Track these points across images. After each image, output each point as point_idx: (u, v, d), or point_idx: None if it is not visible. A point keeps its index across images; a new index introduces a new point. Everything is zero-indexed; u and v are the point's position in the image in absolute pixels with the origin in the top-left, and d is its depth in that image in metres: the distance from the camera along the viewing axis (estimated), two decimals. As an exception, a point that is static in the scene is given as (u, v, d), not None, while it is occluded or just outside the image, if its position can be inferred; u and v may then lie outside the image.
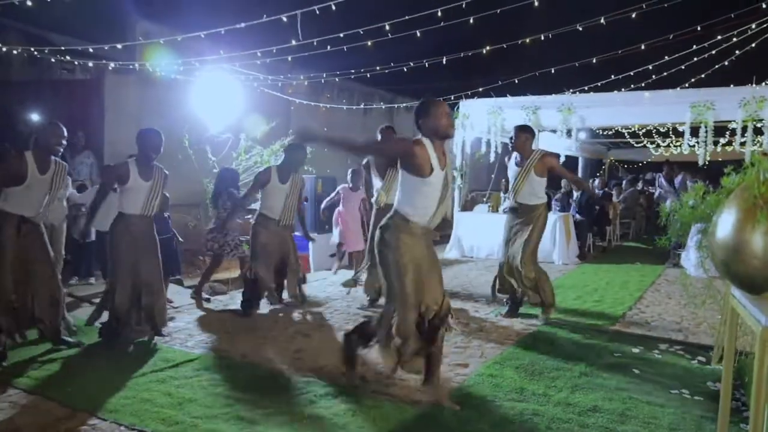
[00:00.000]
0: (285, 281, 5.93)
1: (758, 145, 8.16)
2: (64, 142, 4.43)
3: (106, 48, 6.89)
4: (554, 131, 11.18)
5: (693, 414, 3.46)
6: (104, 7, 6.83)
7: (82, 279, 7.03)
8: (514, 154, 5.79)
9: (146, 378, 3.99)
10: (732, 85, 8.26)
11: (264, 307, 6.11)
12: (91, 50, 6.98)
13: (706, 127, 8.42)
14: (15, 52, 6.88)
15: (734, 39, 7.96)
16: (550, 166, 5.61)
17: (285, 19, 5.38)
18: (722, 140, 11.68)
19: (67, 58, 7.31)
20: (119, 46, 6.80)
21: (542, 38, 6.86)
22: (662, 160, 15.95)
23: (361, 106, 12.80)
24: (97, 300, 6.12)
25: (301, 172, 6.23)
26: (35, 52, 6.83)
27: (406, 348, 3.45)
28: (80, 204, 6.70)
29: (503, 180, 12.86)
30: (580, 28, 6.40)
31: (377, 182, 6.03)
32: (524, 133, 5.69)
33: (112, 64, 7.53)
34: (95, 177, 7.56)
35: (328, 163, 7.60)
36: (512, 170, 5.79)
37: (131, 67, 7.68)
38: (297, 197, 5.91)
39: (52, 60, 7.36)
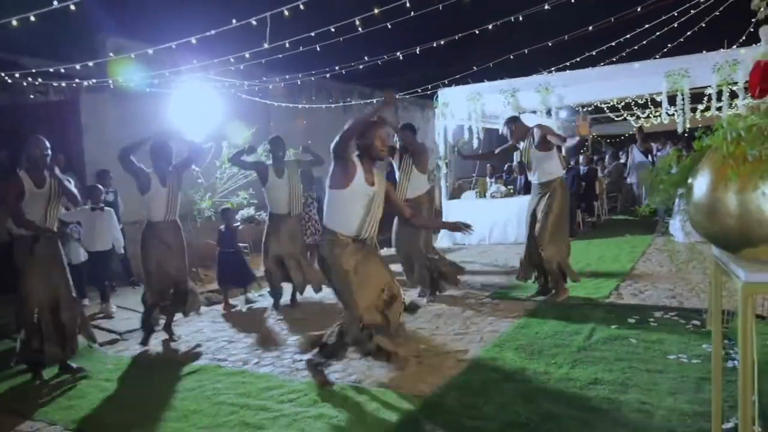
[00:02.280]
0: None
1: (734, 108, 8.24)
2: (48, 152, 4.44)
3: (78, 67, 6.81)
4: (534, 112, 11.24)
5: (692, 377, 3.53)
6: (73, 25, 6.76)
7: (76, 301, 6.98)
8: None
9: (147, 393, 3.99)
10: (705, 51, 8.33)
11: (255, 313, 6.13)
12: (62, 70, 6.90)
13: (682, 94, 8.48)
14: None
15: (702, 6, 8.02)
16: (541, 134, 5.63)
17: (255, 22, 5.36)
18: (700, 106, 11.79)
19: (39, 80, 7.23)
20: (91, 63, 6.73)
21: (512, 20, 6.87)
22: (646, 131, 16.01)
23: (340, 103, 12.77)
24: (95, 320, 6.17)
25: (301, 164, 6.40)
26: (6, 77, 6.74)
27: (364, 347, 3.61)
28: (68, 223, 6.64)
29: (489, 166, 12.95)
30: (548, 7, 6.43)
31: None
32: (514, 122, 5.98)
33: (86, 83, 7.46)
34: (79, 198, 7.49)
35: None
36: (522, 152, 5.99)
37: (106, 84, 7.61)
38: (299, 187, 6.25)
39: (24, 84, 7.27)
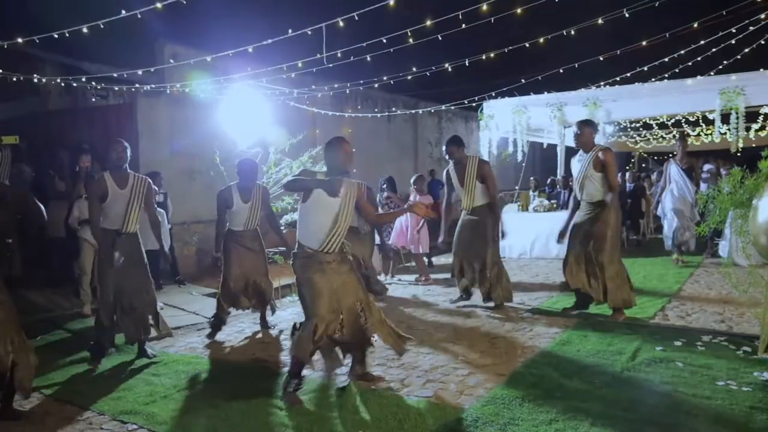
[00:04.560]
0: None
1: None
2: (124, 154, 4.81)
3: (140, 73, 7.11)
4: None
5: (742, 405, 3.40)
6: (133, 32, 7.08)
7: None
8: (580, 151, 5.62)
9: (192, 390, 4.11)
10: (762, 69, 8.06)
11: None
12: (125, 75, 7.22)
13: (737, 113, 8.24)
14: (54, 82, 7.15)
15: (762, 22, 7.77)
16: (603, 162, 5.38)
17: (310, 32, 5.48)
18: (755, 125, 11.39)
19: (102, 85, 7.57)
20: (152, 69, 7.02)
21: (564, 34, 6.81)
22: (694, 149, 15.39)
23: (386, 113, 12.87)
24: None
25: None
26: (72, 82, 7.10)
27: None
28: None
29: (532, 179, 12.81)
30: (602, 22, 6.34)
31: (459, 189, 6.21)
32: (587, 126, 5.55)
33: (144, 88, 7.76)
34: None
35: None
36: (575, 167, 5.65)
37: (162, 89, 7.90)
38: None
39: (88, 87, 7.63)
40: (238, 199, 5.48)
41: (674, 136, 15.70)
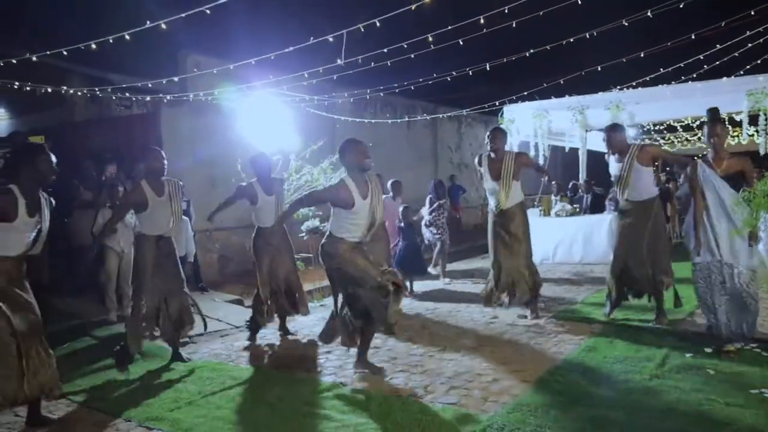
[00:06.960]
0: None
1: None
2: (165, 162, 4.83)
3: (164, 82, 7.22)
4: (602, 130, 10.96)
5: (777, 414, 3.31)
6: (157, 43, 7.20)
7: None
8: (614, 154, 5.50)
9: (217, 396, 4.12)
10: (791, 69, 7.89)
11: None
12: (149, 85, 7.35)
13: (765, 114, 8.07)
14: (80, 93, 7.30)
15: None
16: (653, 154, 5.35)
17: (332, 39, 5.51)
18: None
19: (126, 95, 7.71)
20: (175, 79, 7.12)
21: (587, 36, 6.73)
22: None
23: (405, 119, 12.87)
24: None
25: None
26: (98, 92, 7.24)
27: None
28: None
29: (554, 183, 12.68)
30: (626, 24, 6.25)
31: (495, 186, 5.91)
32: (613, 131, 5.48)
33: (167, 97, 7.88)
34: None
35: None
36: (614, 167, 5.48)
37: (185, 98, 8.01)
38: None
39: (113, 98, 7.77)
40: (262, 193, 5.47)
41: (699, 138, 15.37)
